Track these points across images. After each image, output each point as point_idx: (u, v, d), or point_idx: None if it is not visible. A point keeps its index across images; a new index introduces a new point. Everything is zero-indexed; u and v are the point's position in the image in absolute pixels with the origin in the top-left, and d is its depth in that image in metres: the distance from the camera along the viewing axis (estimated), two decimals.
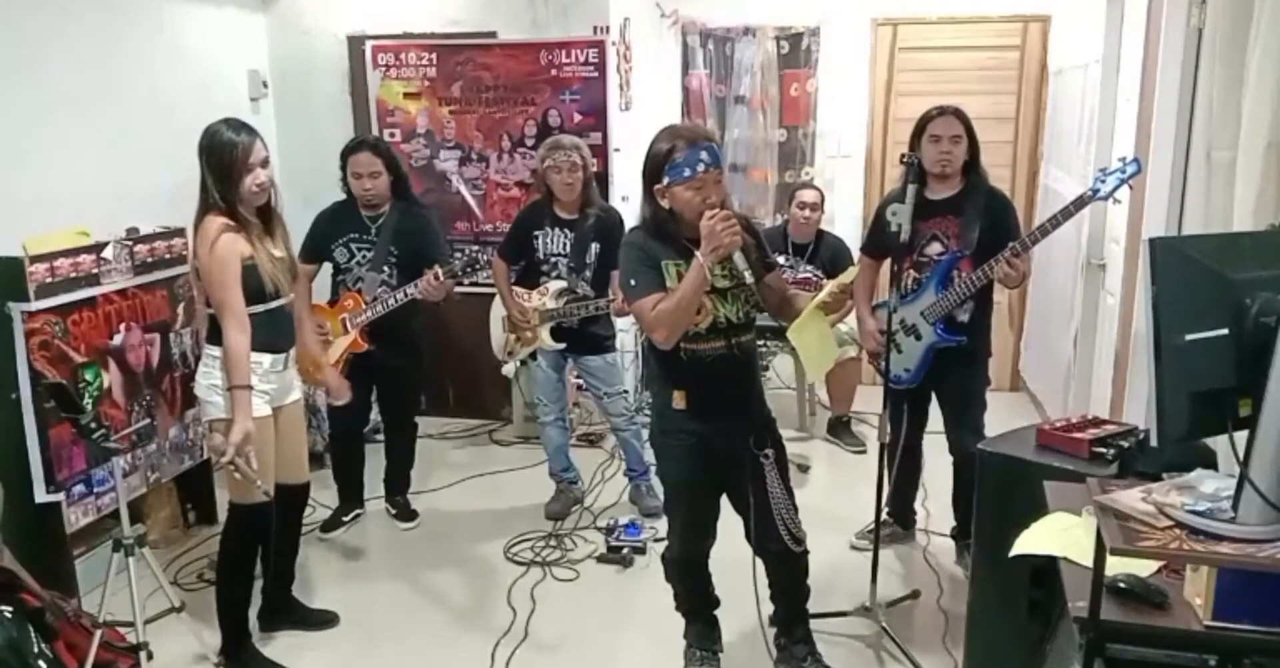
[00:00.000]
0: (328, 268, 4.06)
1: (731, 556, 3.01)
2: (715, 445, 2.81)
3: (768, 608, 3.05)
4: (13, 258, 3.20)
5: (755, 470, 2.80)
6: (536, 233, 4.13)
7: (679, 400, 2.79)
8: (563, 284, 4.10)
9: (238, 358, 2.89)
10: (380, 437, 4.53)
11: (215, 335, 2.97)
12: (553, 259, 4.12)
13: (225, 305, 2.90)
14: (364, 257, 3.97)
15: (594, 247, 4.08)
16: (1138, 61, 3.77)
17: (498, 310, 4.36)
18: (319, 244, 3.98)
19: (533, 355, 4.28)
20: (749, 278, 2.63)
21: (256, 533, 3.16)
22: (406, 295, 3.87)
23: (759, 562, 2.97)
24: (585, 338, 4.16)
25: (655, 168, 2.65)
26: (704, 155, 2.58)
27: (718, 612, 3.16)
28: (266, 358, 3.01)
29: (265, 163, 2.97)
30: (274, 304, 3.01)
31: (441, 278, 3.78)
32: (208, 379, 2.97)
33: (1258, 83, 2.44)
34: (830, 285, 2.74)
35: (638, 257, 2.73)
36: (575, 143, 4.07)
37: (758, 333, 2.89)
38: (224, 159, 2.89)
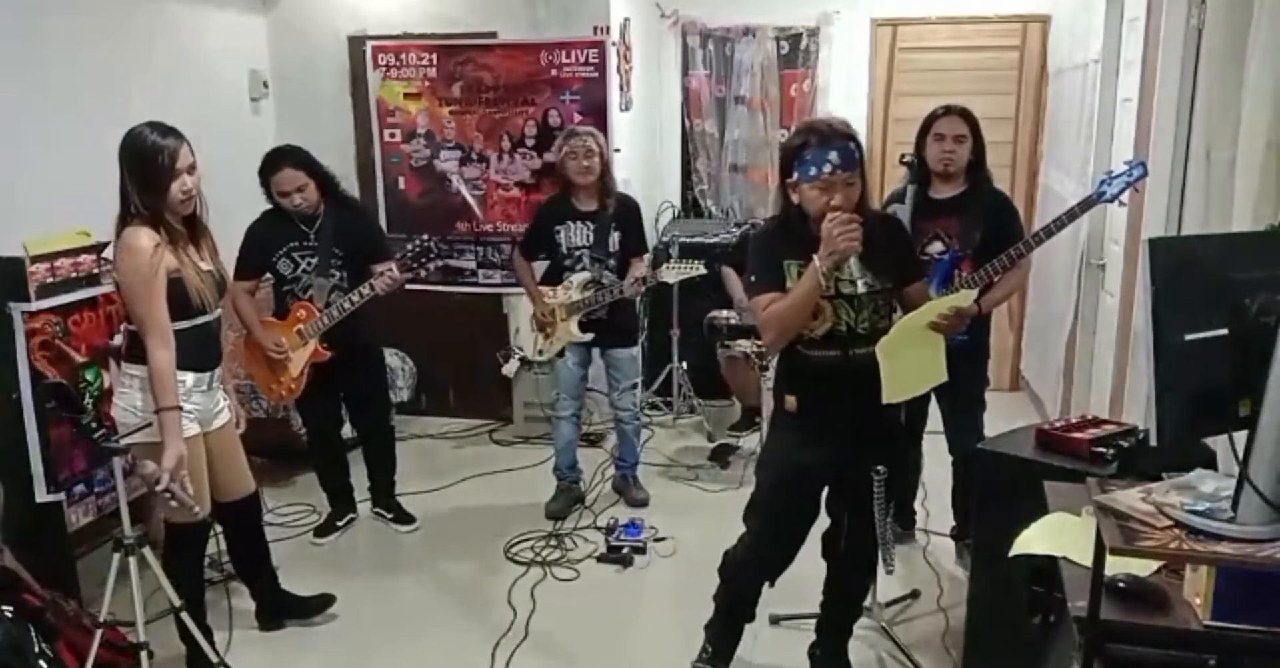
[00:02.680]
0: None
1: None
2: (821, 453, 2.68)
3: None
4: (13, 258, 3.20)
5: (863, 487, 2.70)
6: (558, 228, 4.14)
7: (790, 403, 2.72)
8: (587, 276, 4.12)
9: (164, 377, 2.74)
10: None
11: (134, 353, 2.83)
12: (576, 252, 4.13)
13: (149, 321, 2.74)
14: (309, 264, 3.85)
15: (615, 236, 4.10)
16: (1137, 61, 3.77)
17: (526, 309, 4.37)
18: (259, 257, 3.84)
19: (560, 352, 4.27)
20: (861, 287, 2.48)
21: (195, 549, 3.11)
22: (363, 296, 3.76)
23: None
24: (615, 329, 4.19)
25: (786, 162, 2.59)
26: (833, 156, 2.48)
27: (755, 623, 3.08)
28: (190, 376, 2.88)
29: (192, 169, 2.80)
30: (200, 320, 2.88)
31: (397, 272, 3.75)
32: (126, 401, 2.87)
33: (1257, 82, 2.44)
34: (939, 305, 2.58)
35: (762, 252, 2.68)
36: (591, 130, 4.11)
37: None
38: (151, 165, 2.72)
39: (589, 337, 4.16)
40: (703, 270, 4.03)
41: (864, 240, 2.47)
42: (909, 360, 2.59)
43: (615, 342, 4.25)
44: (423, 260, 3.83)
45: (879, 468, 2.68)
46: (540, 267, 4.31)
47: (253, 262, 3.86)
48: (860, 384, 2.57)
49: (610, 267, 4.11)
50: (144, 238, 2.74)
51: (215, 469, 3.09)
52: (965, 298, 2.64)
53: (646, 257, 4.32)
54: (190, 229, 2.90)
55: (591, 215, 4.10)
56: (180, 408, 2.80)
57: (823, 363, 2.64)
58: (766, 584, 2.93)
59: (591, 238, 4.11)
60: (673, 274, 3.97)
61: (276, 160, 3.77)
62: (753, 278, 2.67)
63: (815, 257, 2.48)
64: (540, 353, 4.33)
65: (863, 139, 6.16)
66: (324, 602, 3.49)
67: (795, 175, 2.56)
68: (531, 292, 4.24)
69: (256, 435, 3.31)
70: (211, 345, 2.97)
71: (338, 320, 3.82)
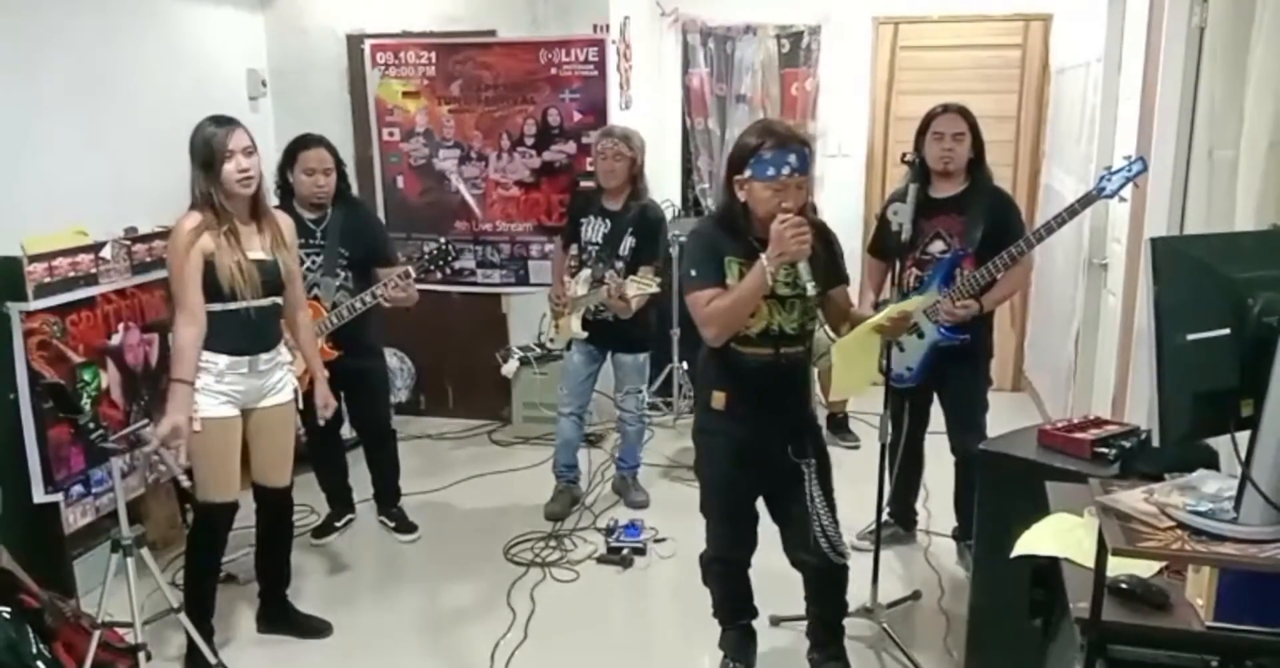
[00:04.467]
0: None
1: (769, 566, 2.98)
2: (753, 449, 2.77)
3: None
4: (11, 257, 3.20)
5: (795, 479, 2.76)
6: (582, 221, 4.19)
7: (718, 401, 2.76)
8: (589, 273, 4.13)
9: (178, 351, 2.92)
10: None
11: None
12: (589, 248, 4.15)
13: (178, 299, 2.95)
14: (314, 263, 3.82)
15: (629, 240, 4.09)
16: (1139, 60, 3.76)
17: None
18: None
19: (568, 345, 4.28)
20: (811, 290, 2.54)
21: (211, 532, 3.13)
22: (367, 302, 3.73)
23: (788, 572, 2.93)
24: (621, 334, 4.18)
25: (740, 159, 2.60)
26: (792, 159, 2.52)
27: (755, 623, 3.10)
28: (223, 359, 2.98)
29: (249, 152, 2.94)
30: (232, 305, 2.96)
31: (413, 275, 3.72)
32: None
33: (1259, 81, 2.43)
34: (889, 310, 2.71)
35: (703, 247, 2.70)
36: (626, 133, 4.09)
37: None
38: (205, 148, 2.90)
39: (584, 334, 4.16)
40: (655, 288, 3.96)
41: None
42: (856, 363, 2.76)
43: (621, 347, 4.26)
44: (440, 264, 3.81)
45: (810, 461, 2.75)
46: None
47: None
48: (788, 381, 2.76)
49: (617, 269, 4.08)
50: (187, 221, 2.92)
51: (254, 447, 3.17)
52: (911, 303, 2.78)
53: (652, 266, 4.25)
54: (256, 218, 3.03)
55: (612, 214, 4.12)
56: (189, 383, 2.91)
57: (756, 361, 2.70)
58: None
59: (604, 237, 4.12)
60: (633, 287, 3.93)
61: (307, 140, 3.80)
62: (693, 273, 2.69)
63: (763, 256, 2.53)
64: (552, 340, 4.38)
65: (863, 138, 6.22)
66: (322, 626, 3.43)
67: (749, 173, 2.58)
68: (556, 277, 4.32)
69: None
70: (251, 331, 3.03)
71: (346, 321, 3.78)
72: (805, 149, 2.57)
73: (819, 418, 2.97)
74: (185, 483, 2.94)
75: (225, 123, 2.94)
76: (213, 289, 2.93)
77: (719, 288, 2.63)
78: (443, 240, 3.91)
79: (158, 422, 2.94)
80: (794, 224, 2.49)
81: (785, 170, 2.52)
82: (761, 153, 2.54)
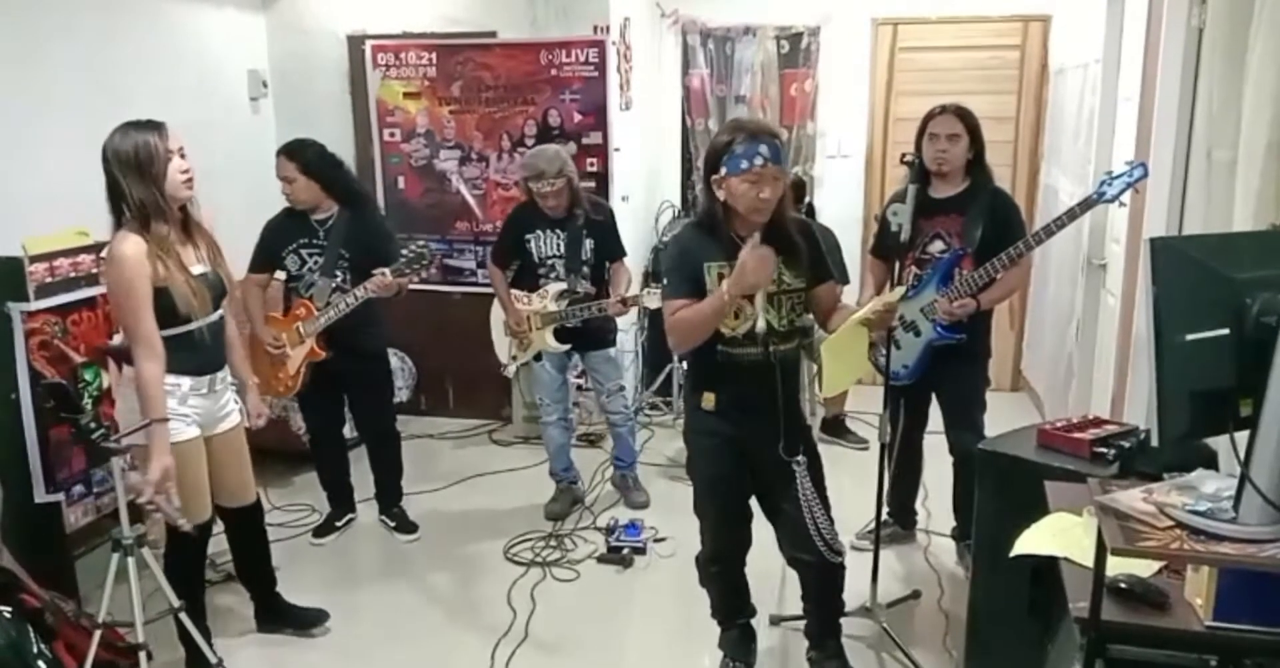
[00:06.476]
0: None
1: (767, 566, 2.99)
2: (743, 448, 2.79)
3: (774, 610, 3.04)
4: (12, 258, 3.20)
5: (786, 478, 2.77)
6: (528, 237, 4.11)
7: (708, 401, 2.78)
8: (562, 286, 4.09)
9: (149, 389, 2.71)
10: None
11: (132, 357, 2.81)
12: (549, 261, 4.11)
13: (134, 333, 2.71)
14: (315, 263, 3.85)
15: (588, 243, 4.08)
16: (1138, 61, 3.77)
17: (498, 315, 4.33)
18: (270, 252, 3.87)
19: (537, 356, 4.25)
20: (761, 322, 2.59)
21: (194, 549, 3.10)
22: (358, 297, 3.74)
23: (787, 572, 2.94)
24: (590, 334, 4.16)
25: (714, 159, 2.62)
26: (763, 149, 2.53)
27: (754, 622, 3.12)
28: (186, 381, 2.86)
29: (183, 153, 2.78)
30: (190, 327, 2.83)
31: (389, 277, 3.69)
32: (127, 403, 2.86)
33: (1258, 82, 2.43)
34: (874, 303, 2.73)
35: (679, 256, 2.73)
36: (559, 167, 3.94)
37: None
38: (144, 149, 2.69)
39: (566, 347, 4.15)
40: None
41: (787, 245, 2.64)
42: (844, 359, 2.76)
43: (590, 345, 4.23)
44: (416, 268, 3.77)
45: (799, 459, 2.76)
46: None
47: (264, 255, 3.90)
48: (779, 379, 2.73)
49: (584, 274, 4.08)
50: (129, 246, 2.71)
51: (217, 474, 3.09)
52: (895, 295, 2.76)
53: (627, 262, 4.24)
54: (186, 230, 2.88)
55: (561, 223, 4.06)
56: (168, 420, 2.76)
57: (746, 360, 2.71)
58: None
59: (563, 247, 4.07)
60: (654, 300, 3.90)
61: (282, 147, 3.84)
62: (665, 281, 2.73)
63: (723, 282, 2.57)
64: (514, 358, 4.30)
65: (863, 139, 6.22)
66: (318, 616, 3.45)
67: (724, 170, 2.59)
68: (504, 300, 4.21)
69: (256, 435, 3.30)
70: (207, 350, 2.93)
71: (334, 320, 3.80)
72: (776, 141, 2.59)
73: (816, 418, 2.97)
74: (184, 526, 2.78)
75: (154, 126, 2.74)
76: (168, 314, 2.76)
77: (686, 300, 2.66)
78: (422, 242, 3.87)
79: (142, 468, 2.74)
80: (760, 257, 2.53)
81: (758, 161, 2.53)
82: (734, 148, 2.55)
